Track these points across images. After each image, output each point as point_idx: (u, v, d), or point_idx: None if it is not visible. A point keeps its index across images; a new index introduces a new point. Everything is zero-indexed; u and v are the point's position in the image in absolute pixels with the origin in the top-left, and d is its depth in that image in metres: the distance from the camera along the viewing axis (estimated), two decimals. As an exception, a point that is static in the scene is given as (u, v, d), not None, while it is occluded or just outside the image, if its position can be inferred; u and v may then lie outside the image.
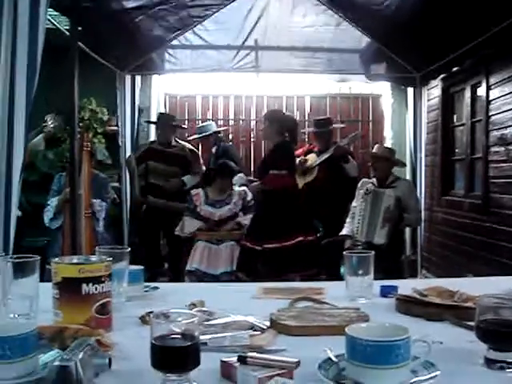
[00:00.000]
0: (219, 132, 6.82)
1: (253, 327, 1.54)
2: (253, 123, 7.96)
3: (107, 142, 6.49)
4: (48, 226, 5.34)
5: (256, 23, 6.37)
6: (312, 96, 8.07)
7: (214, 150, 6.48)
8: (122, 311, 1.68)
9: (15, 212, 3.67)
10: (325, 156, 5.87)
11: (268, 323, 1.58)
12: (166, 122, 6.31)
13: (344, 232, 5.49)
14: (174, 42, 6.53)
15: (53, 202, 5.28)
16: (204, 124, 6.97)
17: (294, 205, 5.26)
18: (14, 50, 3.60)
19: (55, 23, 4.90)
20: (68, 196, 4.83)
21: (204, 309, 1.68)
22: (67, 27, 4.98)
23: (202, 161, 6.61)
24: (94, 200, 5.22)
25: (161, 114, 6.86)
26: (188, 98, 7.89)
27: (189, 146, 6.49)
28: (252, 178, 6.05)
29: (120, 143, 6.40)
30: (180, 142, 6.45)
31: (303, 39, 6.59)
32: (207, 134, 6.62)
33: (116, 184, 6.31)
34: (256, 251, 5.09)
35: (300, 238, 5.12)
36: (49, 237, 5.56)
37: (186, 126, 7.40)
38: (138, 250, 5.87)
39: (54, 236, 5.38)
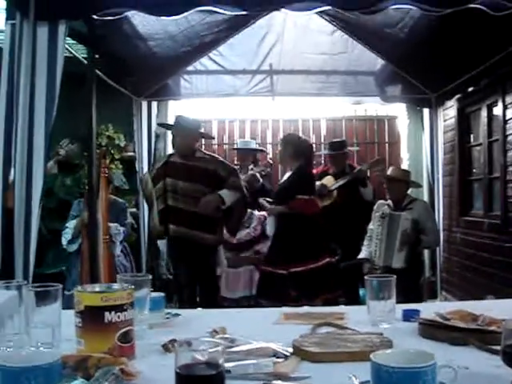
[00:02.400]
0: (259, 150, 6.89)
1: (276, 354, 1.53)
2: (269, 147, 7.98)
3: (124, 167, 6.54)
4: (66, 250, 5.38)
5: (271, 48, 6.41)
6: (328, 119, 8.09)
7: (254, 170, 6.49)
8: (144, 339, 1.67)
9: (35, 238, 3.70)
10: (344, 179, 5.87)
11: (291, 350, 1.57)
12: (188, 127, 5.15)
13: (362, 256, 5.47)
14: (190, 68, 6.60)
15: (71, 224, 5.31)
16: (246, 140, 7.04)
17: (319, 227, 5.29)
18: (33, 78, 3.66)
19: (72, 51, 4.96)
20: (86, 220, 4.84)
21: (226, 335, 1.67)
22: (84, 55, 5.05)
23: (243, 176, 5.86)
24: (111, 224, 5.23)
25: (179, 116, 5.44)
26: (204, 123, 7.92)
27: (219, 157, 5.47)
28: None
29: (137, 169, 6.44)
30: (207, 152, 5.51)
31: (318, 62, 6.62)
32: (250, 148, 6.68)
33: (134, 210, 6.34)
34: (281, 276, 5.06)
35: (327, 259, 5.16)
36: (67, 263, 5.59)
37: (213, 136, 7.44)
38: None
39: (73, 262, 5.41)
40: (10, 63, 3.69)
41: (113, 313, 1.44)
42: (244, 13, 3.89)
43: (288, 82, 6.90)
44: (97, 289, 1.53)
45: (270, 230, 5.54)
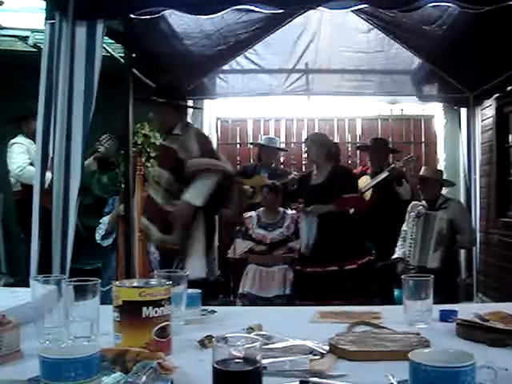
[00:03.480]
0: (282, 149, 6.93)
1: (312, 352, 1.53)
2: (304, 146, 7.94)
3: (160, 165, 6.56)
4: (101, 247, 5.44)
5: (307, 46, 6.40)
6: (363, 118, 8.03)
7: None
8: (180, 334, 1.68)
9: (72, 235, 3.76)
10: (379, 178, 5.83)
11: (327, 348, 1.56)
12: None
13: (396, 255, 5.43)
14: (225, 67, 6.62)
15: (105, 220, 5.38)
16: (271, 137, 7.05)
17: (359, 227, 5.38)
18: (72, 77, 3.71)
19: (109, 50, 5.01)
20: (121, 213, 4.90)
21: (262, 332, 1.67)
22: (121, 54, 5.11)
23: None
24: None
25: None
26: (239, 122, 7.95)
27: None
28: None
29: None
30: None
31: (354, 61, 6.58)
32: (275, 146, 6.73)
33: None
34: (317, 275, 5.09)
35: (368, 258, 5.28)
36: (103, 259, 5.65)
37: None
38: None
39: (108, 259, 5.47)
40: (49, 62, 3.75)
41: (150, 308, 1.45)
42: (280, 11, 3.90)
43: (324, 81, 6.88)
44: (135, 284, 1.54)
45: (307, 229, 5.46)
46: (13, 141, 5.87)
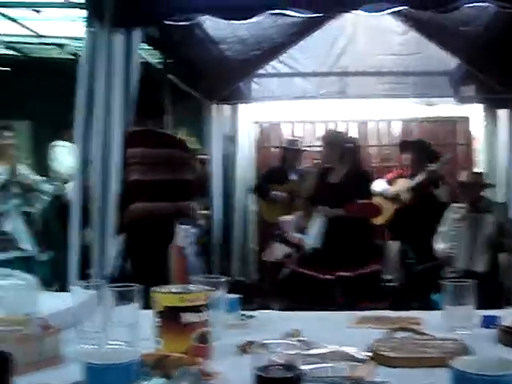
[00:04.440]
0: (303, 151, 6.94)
1: (352, 358, 1.52)
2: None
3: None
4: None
5: (342, 49, 6.38)
6: (399, 120, 7.96)
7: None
8: (220, 340, 1.69)
9: (114, 239, 3.81)
10: (416, 181, 5.78)
11: (367, 354, 1.55)
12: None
13: (438, 258, 5.36)
14: (261, 71, 6.63)
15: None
16: (293, 139, 7.09)
17: (371, 233, 5.28)
18: (110, 84, 3.76)
19: (145, 56, 5.07)
20: None
21: (301, 338, 1.67)
22: (157, 60, 5.16)
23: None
24: (181, 226, 5.32)
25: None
26: (275, 126, 7.95)
27: None
28: None
29: (209, 171, 6.51)
30: None
31: (389, 63, 6.54)
32: (295, 148, 6.78)
33: (206, 211, 6.41)
34: (327, 281, 4.97)
35: (376, 267, 5.12)
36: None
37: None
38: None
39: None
40: (88, 69, 3.80)
41: (190, 314, 1.46)
42: (316, 15, 3.90)
43: (359, 84, 6.86)
44: (174, 290, 1.55)
45: (315, 231, 5.31)
46: (55, 143, 5.98)
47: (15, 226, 4.77)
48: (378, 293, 5.04)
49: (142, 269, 4.13)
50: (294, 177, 6.72)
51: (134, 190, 4.18)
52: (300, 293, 5.00)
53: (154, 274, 4.02)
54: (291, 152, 6.93)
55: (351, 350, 1.56)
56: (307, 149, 7.18)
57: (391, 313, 2.17)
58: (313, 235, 5.25)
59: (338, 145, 5.33)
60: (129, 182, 4.11)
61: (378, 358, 1.53)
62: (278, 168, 7.02)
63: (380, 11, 3.77)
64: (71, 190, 3.99)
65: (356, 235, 5.09)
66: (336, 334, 1.81)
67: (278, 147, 7.69)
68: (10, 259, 4.70)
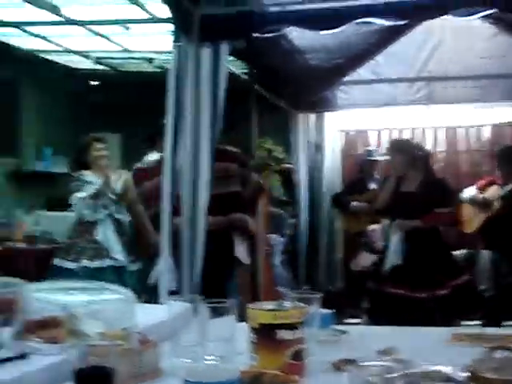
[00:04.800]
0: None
1: (450, 379, 1.48)
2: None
3: (282, 179, 6.65)
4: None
5: (429, 54, 6.26)
6: (491, 125, 7.71)
7: None
8: (313, 356, 1.68)
9: (201, 248, 3.87)
10: (507, 188, 5.60)
11: (465, 374, 1.51)
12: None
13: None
14: (346, 78, 6.59)
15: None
16: (370, 149, 7.03)
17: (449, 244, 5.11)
18: (198, 96, 3.84)
19: (231, 67, 5.13)
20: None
21: (397, 357, 1.64)
22: (243, 70, 5.22)
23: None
24: (271, 235, 5.35)
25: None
26: (361, 133, 7.88)
27: None
28: None
29: (295, 180, 6.53)
30: None
31: (479, 67, 6.37)
32: (374, 159, 6.74)
33: (292, 220, 6.43)
34: (421, 300, 4.79)
35: (467, 277, 4.97)
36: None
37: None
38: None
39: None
40: (176, 83, 3.89)
41: (286, 331, 1.46)
42: (403, 22, 3.85)
43: (447, 89, 6.71)
44: (270, 306, 1.56)
45: (394, 247, 5.13)
46: (145, 154, 6.13)
47: (107, 235, 4.90)
48: (471, 305, 4.90)
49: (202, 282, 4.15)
50: (373, 186, 6.63)
51: None
52: (390, 312, 4.79)
53: (214, 287, 4.05)
54: (368, 161, 6.87)
55: (449, 370, 1.52)
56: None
57: (488, 329, 2.10)
58: (392, 251, 5.09)
59: (407, 152, 5.17)
60: None
61: (478, 379, 1.48)
62: (358, 178, 6.98)
63: (469, 15, 3.69)
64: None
65: (438, 247, 4.97)
66: (432, 351, 1.77)
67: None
68: (102, 267, 4.84)
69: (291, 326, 1.48)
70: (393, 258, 5.04)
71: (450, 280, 4.83)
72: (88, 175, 4.96)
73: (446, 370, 1.53)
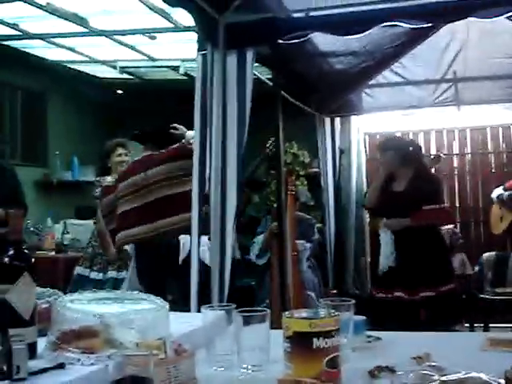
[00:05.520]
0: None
1: (487, 385, 1.47)
2: (455, 158, 7.71)
3: (309, 184, 6.64)
4: (254, 264, 5.56)
5: (455, 55, 6.21)
6: (518, 125, 7.64)
7: None
8: (347, 363, 1.68)
9: (230, 255, 3.88)
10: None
11: (502, 381, 1.49)
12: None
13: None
14: (371, 81, 6.57)
15: (258, 239, 5.50)
16: None
17: (445, 245, 4.95)
18: (225, 103, 3.86)
19: (256, 73, 5.14)
20: (274, 230, 5.00)
21: (432, 363, 1.63)
22: (267, 76, 5.22)
23: None
24: (298, 241, 5.34)
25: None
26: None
27: None
28: None
29: (322, 185, 6.51)
30: None
31: (506, 67, 6.30)
32: None
33: (320, 225, 6.41)
34: (410, 302, 4.66)
35: (453, 285, 4.76)
36: (257, 278, 5.77)
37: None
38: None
39: (262, 277, 5.57)
40: (202, 90, 3.92)
41: (321, 339, 1.46)
42: (429, 25, 3.83)
43: (474, 90, 6.64)
44: (304, 314, 1.56)
45: (383, 247, 5.00)
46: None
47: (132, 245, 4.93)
48: (453, 312, 4.76)
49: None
50: None
51: None
52: (384, 315, 4.64)
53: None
54: None
55: (486, 377, 1.51)
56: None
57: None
58: (382, 258, 4.98)
59: (398, 149, 5.03)
60: None
61: (515, 386, 1.46)
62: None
63: (495, 16, 3.65)
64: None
65: (430, 247, 4.78)
66: (468, 357, 1.75)
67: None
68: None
69: (327, 334, 1.47)
70: (383, 261, 4.94)
71: (436, 286, 4.66)
72: (110, 181, 4.98)
73: (484, 376, 1.51)
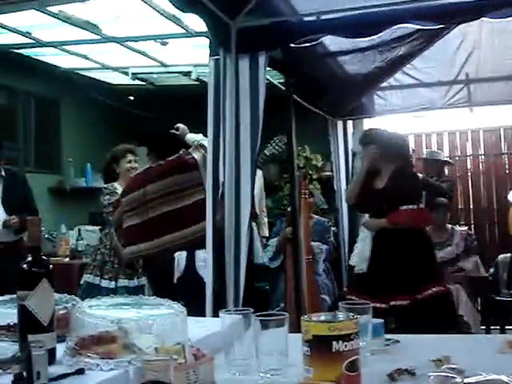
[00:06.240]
0: (448, 162, 6.76)
1: (508, 387, 1.46)
2: (469, 159, 7.69)
3: (322, 187, 6.65)
4: (268, 267, 5.56)
5: (467, 56, 6.18)
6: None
7: None
8: (367, 366, 1.67)
9: (245, 259, 3.88)
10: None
11: (523, 383, 1.48)
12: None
13: None
14: (383, 84, 6.55)
15: (272, 242, 5.50)
16: (433, 151, 6.96)
17: (428, 248, 4.53)
18: (238, 108, 3.87)
19: (268, 77, 5.15)
20: (289, 235, 5.00)
21: (452, 366, 1.62)
22: (279, 80, 5.23)
23: None
24: (313, 243, 5.34)
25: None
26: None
27: None
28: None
29: (335, 188, 6.51)
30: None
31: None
32: (436, 158, 6.59)
33: (334, 228, 6.41)
34: (379, 310, 3.88)
35: (435, 289, 4.31)
36: (270, 281, 5.77)
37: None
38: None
39: (276, 280, 5.57)
40: (216, 96, 3.93)
41: (340, 342, 1.46)
42: (441, 26, 3.82)
43: (487, 91, 6.61)
44: (323, 318, 1.55)
45: (360, 248, 4.81)
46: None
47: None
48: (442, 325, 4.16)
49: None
50: None
51: None
52: None
53: None
54: (429, 163, 6.77)
55: (507, 379, 1.50)
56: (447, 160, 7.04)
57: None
58: (357, 254, 4.83)
59: (381, 142, 4.66)
60: None
61: (538, 388, 1.45)
62: None
63: (507, 17, 3.64)
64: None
65: (410, 249, 4.37)
66: (487, 359, 1.75)
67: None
68: (141, 285, 4.94)
69: (346, 338, 1.47)
70: (358, 262, 4.75)
71: (412, 293, 4.27)
72: (118, 187, 4.94)
73: (504, 378, 1.50)
